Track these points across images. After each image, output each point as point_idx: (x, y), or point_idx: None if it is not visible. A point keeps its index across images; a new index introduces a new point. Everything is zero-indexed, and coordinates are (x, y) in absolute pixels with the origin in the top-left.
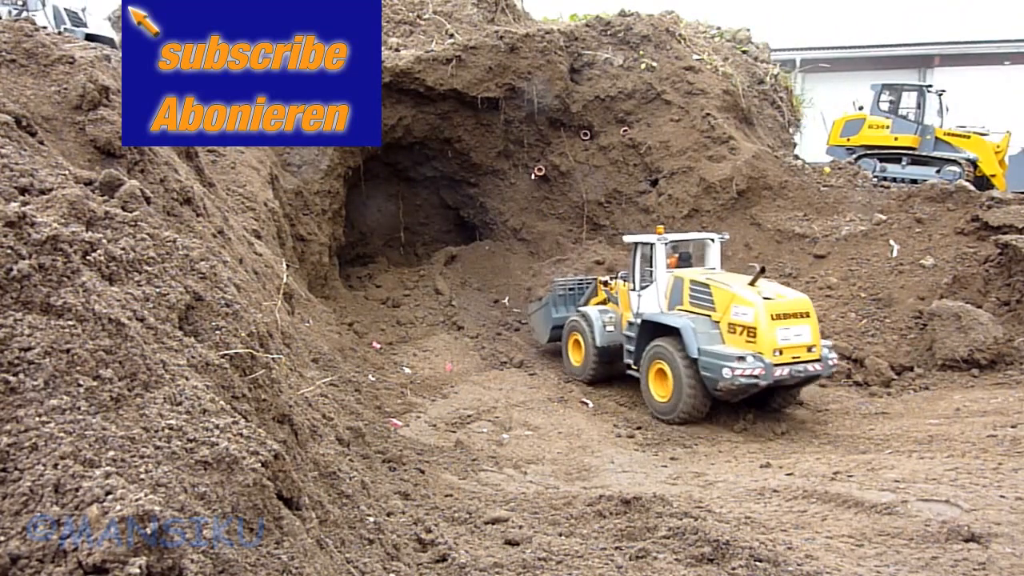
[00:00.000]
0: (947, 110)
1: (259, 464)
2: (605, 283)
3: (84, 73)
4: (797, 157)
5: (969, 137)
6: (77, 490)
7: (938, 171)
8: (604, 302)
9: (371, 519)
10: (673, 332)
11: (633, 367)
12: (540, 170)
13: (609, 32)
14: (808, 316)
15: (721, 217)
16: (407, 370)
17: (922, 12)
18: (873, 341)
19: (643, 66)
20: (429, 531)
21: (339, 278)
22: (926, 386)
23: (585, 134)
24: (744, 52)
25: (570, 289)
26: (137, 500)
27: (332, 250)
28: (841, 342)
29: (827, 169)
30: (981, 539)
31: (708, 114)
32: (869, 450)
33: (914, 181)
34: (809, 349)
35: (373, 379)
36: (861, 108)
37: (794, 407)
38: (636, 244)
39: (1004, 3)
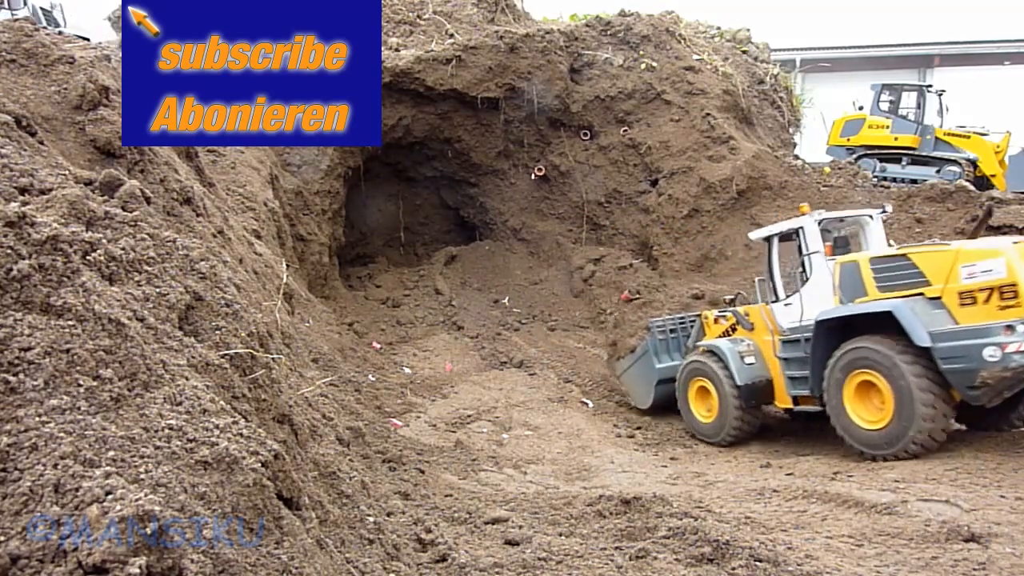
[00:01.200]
0: (947, 110)
1: (259, 464)
2: (728, 306)
3: (84, 73)
4: (797, 157)
5: (969, 137)
6: (77, 490)
7: (938, 171)
8: (727, 333)
9: (371, 519)
10: (873, 325)
11: (805, 400)
12: (540, 170)
13: (609, 32)
14: None
15: (721, 217)
16: (407, 370)
17: (922, 12)
18: None
19: (643, 66)
20: (429, 531)
21: (339, 278)
22: None
23: (585, 134)
24: (744, 52)
25: (671, 331)
26: (137, 500)
27: (332, 250)
28: None
29: (827, 169)
30: (981, 539)
31: (708, 114)
32: None
33: (914, 181)
34: None
35: (373, 379)
36: (861, 108)
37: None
38: (773, 236)
39: (1004, 3)
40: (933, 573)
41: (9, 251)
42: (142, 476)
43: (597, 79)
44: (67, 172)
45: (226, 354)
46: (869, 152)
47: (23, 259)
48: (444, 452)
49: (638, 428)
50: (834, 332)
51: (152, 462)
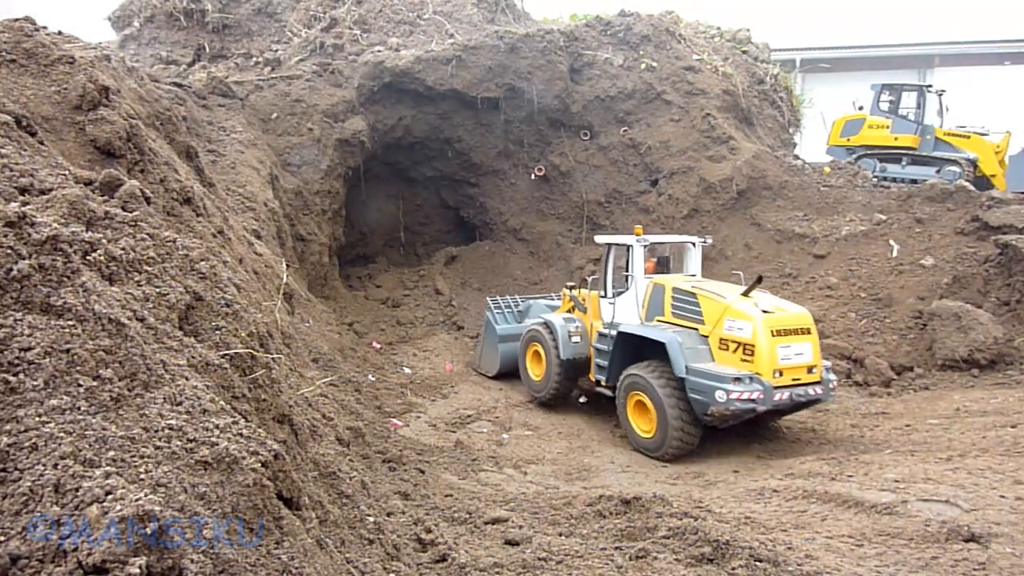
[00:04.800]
0: (947, 110)
1: (259, 464)
2: (571, 287)
3: (84, 73)
4: (797, 157)
5: (969, 137)
6: (77, 490)
7: (938, 171)
8: (571, 310)
9: (371, 519)
10: (654, 347)
11: (603, 385)
12: (540, 170)
13: (609, 32)
14: (809, 333)
15: (721, 217)
16: (407, 370)
17: (922, 12)
18: (873, 341)
19: (643, 66)
20: (429, 531)
21: (339, 278)
22: (926, 386)
23: (585, 134)
24: (744, 52)
25: (507, 307)
26: (137, 500)
27: (332, 250)
28: (841, 342)
29: (827, 169)
30: (981, 539)
31: (708, 114)
32: (869, 450)
33: (914, 181)
34: (809, 370)
35: (373, 379)
36: (861, 108)
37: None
38: (610, 246)
39: (1004, 3)
40: (933, 573)
41: (9, 251)
42: (142, 476)
43: (597, 79)
44: (67, 172)
45: (226, 354)
46: (869, 152)
47: (23, 259)
48: (444, 452)
49: None
50: (628, 342)
51: (152, 462)
